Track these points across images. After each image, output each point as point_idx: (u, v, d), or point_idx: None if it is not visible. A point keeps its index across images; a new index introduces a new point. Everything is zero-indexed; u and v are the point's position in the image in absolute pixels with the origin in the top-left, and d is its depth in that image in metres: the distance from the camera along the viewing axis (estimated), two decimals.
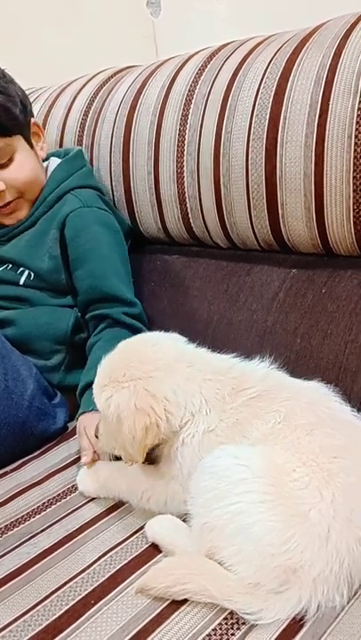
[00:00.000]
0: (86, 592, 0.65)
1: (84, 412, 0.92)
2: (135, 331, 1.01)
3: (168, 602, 0.62)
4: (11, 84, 1.05)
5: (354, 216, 0.85)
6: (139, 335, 0.82)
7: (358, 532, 0.60)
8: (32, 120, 1.11)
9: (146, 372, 0.71)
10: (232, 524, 0.60)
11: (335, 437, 0.65)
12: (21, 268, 1.08)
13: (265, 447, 0.65)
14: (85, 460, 0.83)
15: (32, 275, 1.07)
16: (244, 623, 0.59)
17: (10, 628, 0.62)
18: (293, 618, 0.59)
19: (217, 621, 0.60)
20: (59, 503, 0.81)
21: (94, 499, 0.81)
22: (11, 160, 1.05)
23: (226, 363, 0.76)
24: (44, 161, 1.16)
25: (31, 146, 1.10)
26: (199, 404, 0.71)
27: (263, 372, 0.75)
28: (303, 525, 0.59)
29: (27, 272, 1.08)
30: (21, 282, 1.07)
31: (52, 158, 1.17)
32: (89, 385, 0.88)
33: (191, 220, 1.08)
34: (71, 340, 1.05)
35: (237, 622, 0.60)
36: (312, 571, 0.58)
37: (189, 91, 1.05)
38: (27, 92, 1.11)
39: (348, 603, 0.60)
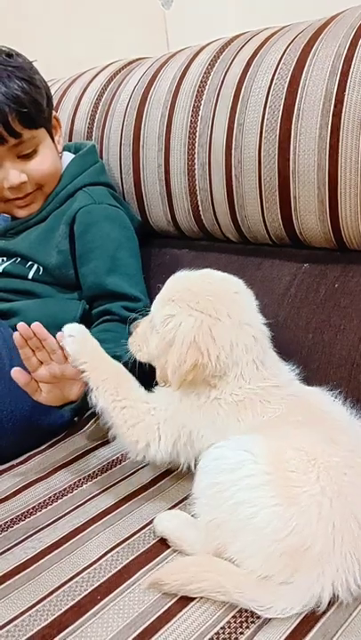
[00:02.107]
0: (92, 587, 0.65)
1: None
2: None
3: (176, 598, 0.61)
4: (37, 75, 1.05)
5: None
6: (227, 275, 0.78)
7: (353, 507, 0.60)
8: (53, 113, 1.11)
9: (218, 313, 0.70)
10: (236, 516, 0.60)
11: (320, 432, 0.66)
12: (30, 262, 1.08)
13: (260, 434, 0.66)
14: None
15: (41, 269, 1.07)
16: (253, 621, 0.58)
17: (15, 622, 0.61)
18: (305, 616, 0.58)
19: (226, 619, 0.59)
20: (64, 498, 0.81)
21: (100, 494, 0.80)
22: (35, 152, 1.05)
23: (273, 356, 0.77)
24: None
25: (52, 139, 1.10)
26: (235, 375, 0.71)
27: (290, 376, 0.76)
28: (297, 506, 0.59)
29: (35, 266, 1.08)
30: (30, 276, 1.07)
31: (64, 152, 1.17)
32: None
33: (202, 213, 1.07)
34: None
35: (246, 620, 0.59)
36: (315, 548, 0.58)
37: (201, 82, 1.03)
38: None
39: None
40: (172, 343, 0.70)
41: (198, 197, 1.05)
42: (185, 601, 0.61)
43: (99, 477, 0.84)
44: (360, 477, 0.62)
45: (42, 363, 0.82)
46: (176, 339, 0.69)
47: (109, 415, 0.74)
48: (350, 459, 0.63)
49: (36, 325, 0.80)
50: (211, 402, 0.71)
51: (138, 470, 0.84)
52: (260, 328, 0.75)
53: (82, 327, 0.79)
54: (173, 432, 0.72)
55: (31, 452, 0.93)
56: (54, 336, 1.05)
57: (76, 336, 0.78)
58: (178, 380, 0.70)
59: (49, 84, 1.41)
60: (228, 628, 0.58)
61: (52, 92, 1.35)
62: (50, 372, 0.82)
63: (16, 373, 0.82)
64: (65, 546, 0.71)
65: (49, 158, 1.07)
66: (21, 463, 0.91)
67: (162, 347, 0.72)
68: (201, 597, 0.61)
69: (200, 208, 1.06)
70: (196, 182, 1.04)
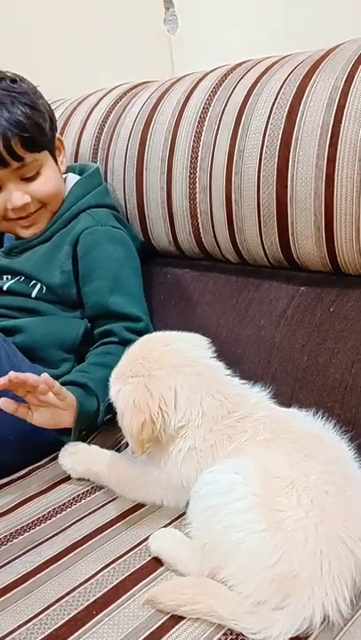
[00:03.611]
0: (88, 602, 0.66)
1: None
2: None
3: (169, 615, 0.63)
4: (41, 99, 1.08)
5: None
6: (160, 332, 0.83)
7: (338, 529, 0.61)
8: (56, 135, 1.14)
9: (148, 370, 0.74)
10: (227, 539, 0.62)
11: (290, 447, 0.68)
12: (34, 281, 1.10)
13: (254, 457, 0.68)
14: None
15: (44, 288, 1.09)
16: (243, 639, 0.60)
17: (12, 635, 0.63)
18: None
19: (217, 636, 0.60)
20: (64, 512, 0.82)
21: (98, 509, 0.82)
22: (38, 174, 1.08)
23: (232, 384, 0.79)
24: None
25: (55, 160, 1.13)
26: (197, 414, 0.74)
27: (257, 399, 0.77)
28: (283, 532, 0.60)
29: (39, 285, 1.10)
30: (33, 294, 1.09)
31: (69, 174, 1.19)
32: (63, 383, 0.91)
33: (202, 235, 1.10)
34: (80, 349, 1.07)
35: (237, 638, 0.60)
36: (303, 574, 0.59)
37: (204, 108, 1.06)
38: None
39: (352, 616, 0.61)
40: (123, 415, 0.74)
41: (199, 220, 1.08)
42: (179, 617, 0.62)
43: (98, 492, 0.86)
44: (342, 496, 0.63)
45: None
46: (123, 409, 0.73)
47: (127, 496, 0.82)
48: (328, 474, 0.64)
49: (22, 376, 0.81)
50: (188, 453, 0.73)
51: None
52: (205, 363, 0.78)
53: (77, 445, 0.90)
54: (173, 489, 0.77)
55: (32, 467, 0.95)
56: (55, 353, 1.07)
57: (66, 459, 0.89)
58: (137, 445, 0.73)
59: (56, 104, 1.45)
60: None
61: (59, 113, 1.39)
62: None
63: (3, 403, 0.83)
64: (63, 560, 0.73)
65: (52, 179, 1.10)
66: (22, 477, 0.92)
67: (120, 423, 0.76)
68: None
69: (201, 230, 1.09)
70: (197, 205, 1.07)
